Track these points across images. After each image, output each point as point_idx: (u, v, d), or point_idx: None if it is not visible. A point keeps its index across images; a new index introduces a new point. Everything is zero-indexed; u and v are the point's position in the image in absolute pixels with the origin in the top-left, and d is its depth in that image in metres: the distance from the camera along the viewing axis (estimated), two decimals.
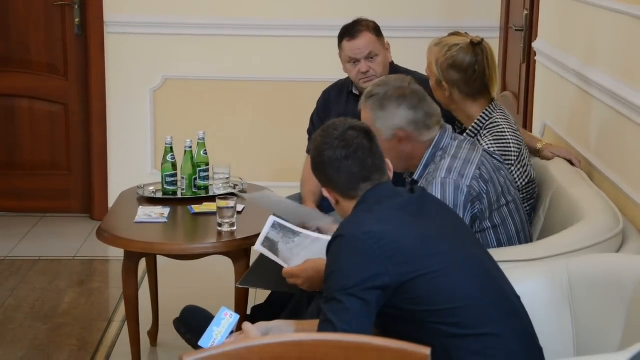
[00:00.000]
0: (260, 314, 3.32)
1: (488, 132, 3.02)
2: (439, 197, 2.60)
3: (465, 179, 2.65)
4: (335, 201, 2.33)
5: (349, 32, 3.54)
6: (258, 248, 2.76)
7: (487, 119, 3.06)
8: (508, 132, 3.02)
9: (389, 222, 2.16)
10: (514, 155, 2.99)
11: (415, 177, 2.73)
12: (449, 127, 2.78)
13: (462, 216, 2.62)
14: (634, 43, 2.91)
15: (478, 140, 3.00)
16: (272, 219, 2.79)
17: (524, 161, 3.04)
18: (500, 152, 2.94)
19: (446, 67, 3.05)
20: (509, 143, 3.00)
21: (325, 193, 2.34)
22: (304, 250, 2.71)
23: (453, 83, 3.04)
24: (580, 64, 3.44)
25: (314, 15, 5.07)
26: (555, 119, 3.85)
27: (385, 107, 2.69)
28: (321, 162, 2.29)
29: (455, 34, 3.20)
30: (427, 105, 2.72)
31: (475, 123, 3.06)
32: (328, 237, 2.90)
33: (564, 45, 3.75)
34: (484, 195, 2.68)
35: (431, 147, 2.72)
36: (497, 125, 3.04)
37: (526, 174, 3.04)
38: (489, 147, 2.94)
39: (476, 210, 2.67)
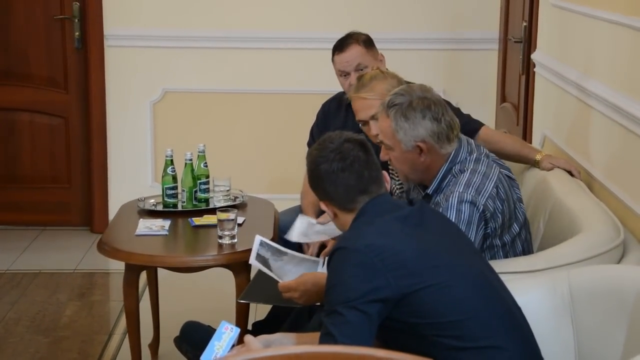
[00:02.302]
0: (262, 329, 3.31)
1: None
2: (455, 211, 2.58)
3: (482, 197, 2.61)
4: (333, 215, 2.32)
5: (338, 45, 3.58)
6: (252, 262, 2.77)
7: None
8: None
9: (390, 235, 2.15)
10: None
11: (430, 191, 2.70)
12: (464, 140, 2.75)
13: (474, 233, 2.60)
14: (632, 54, 2.92)
15: None
16: (258, 238, 2.79)
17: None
18: None
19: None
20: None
21: (323, 207, 2.33)
22: (295, 267, 2.72)
23: None
24: (580, 75, 3.45)
25: (313, 27, 5.08)
26: (554, 130, 3.86)
27: (409, 118, 2.61)
28: (318, 176, 2.29)
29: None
30: (449, 117, 2.66)
31: None
32: (315, 258, 2.92)
33: (563, 56, 3.76)
34: (499, 214, 2.65)
35: (448, 161, 2.67)
36: None
37: None
38: None
39: (489, 230, 2.65)
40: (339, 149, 2.26)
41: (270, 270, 2.73)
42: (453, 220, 2.56)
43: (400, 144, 2.64)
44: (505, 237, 2.72)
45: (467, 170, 2.66)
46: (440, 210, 2.59)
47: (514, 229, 2.74)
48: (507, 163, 3.36)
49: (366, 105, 3.04)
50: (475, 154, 2.71)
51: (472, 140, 2.82)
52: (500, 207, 2.66)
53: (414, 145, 2.63)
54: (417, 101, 2.63)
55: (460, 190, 2.61)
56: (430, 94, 2.68)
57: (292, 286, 2.56)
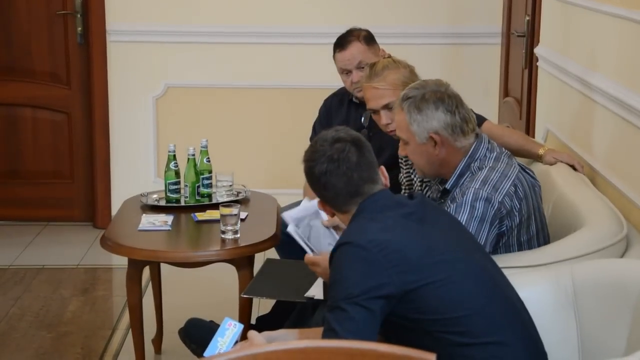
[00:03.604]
0: (265, 324, 3.31)
1: None
2: (469, 207, 2.56)
3: (499, 194, 2.60)
4: (331, 214, 2.33)
5: (339, 43, 3.57)
6: (291, 230, 2.67)
7: None
8: None
9: (393, 231, 2.14)
10: None
11: (448, 186, 2.69)
12: (485, 137, 2.74)
13: (487, 230, 2.58)
14: (636, 48, 2.91)
15: None
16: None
17: None
18: None
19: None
20: None
21: (320, 206, 2.34)
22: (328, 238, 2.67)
23: None
24: (583, 69, 3.45)
25: (315, 22, 5.08)
26: (557, 124, 3.85)
27: (422, 110, 2.62)
28: (311, 177, 2.28)
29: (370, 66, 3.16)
30: (464, 110, 2.66)
31: None
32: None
33: (565, 50, 3.75)
34: (516, 213, 2.64)
35: (466, 156, 2.67)
36: None
37: None
38: None
39: (504, 228, 2.63)
40: (329, 151, 2.23)
41: (309, 240, 2.67)
42: (466, 216, 2.55)
43: (414, 137, 2.64)
44: (522, 237, 2.69)
45: (486, 167, 2.65)
46: (455, 205, 2.58)
47: (532, 230, 2.72)
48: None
49: (377, 95, 3.03)
50: (495, 153, 2.70)
51: (494, 140, 2.81)
52: (518, 206, 2.64)
53: (427, 137, 2.63)
54: (430, 94, 2.64)
55: (477, 187, 2.59)
56: (445, 88, 2.68)
57: (317, 261, 2.51)
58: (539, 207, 2.77)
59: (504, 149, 2.78)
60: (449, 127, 2.63)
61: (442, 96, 2.64)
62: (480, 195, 2.58)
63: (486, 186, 2.60)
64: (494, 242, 2.63)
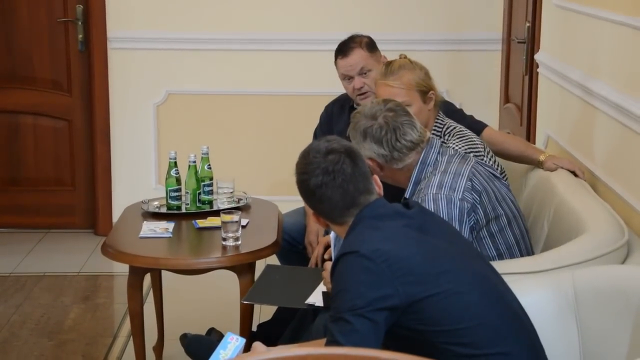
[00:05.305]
0: (267, 331, 3.32)
1: (451, 137, 3.06)
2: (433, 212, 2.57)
3: (457, 193, 2.64)
4: (326, 226, 2.31)
5: (341, 50, 3.57)
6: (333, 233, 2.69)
7: (441, 125, 3.10)
8: (465, 129, 3.09)
9: (395, 241, 2.12)
10: (482, 147, 3.04)
11: (407, 195, 2.71)
12: (436, 142, 2.76)
13: (460, 229, 2.61)
14: (636, 54, 2.92)
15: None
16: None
17: (490, 153, 3.08)
18: (470, 149, 2.96)
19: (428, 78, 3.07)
20: (473, 138, 3.06)
21: (314, 219, 2.32)
22: None
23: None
24: (583, 75, 3.45)
25: (316, 28, 5.08)
26: (558, 130, 3.86)
27: (354, 138, 2.66)
28: (304, 190, 2.24)
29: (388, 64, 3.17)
30: (394, 137, 2.65)
31: (434, 131, 3.07)
32: None
33: (566, 57, 3.76)
34: (478, 206, 2.68)
35: (418, 164, 2.70)
36: (454, 127, 3.10)
37: (496, 163, 3.07)
38: (460, 148, 2.95)
39: (472, 222, 2.68)
40: (323, 163, 2.20)
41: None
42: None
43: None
44: (492, 227, 2.73)
45: (438, 172, 2.69)
46: None
47: (502, 221, 2.75)
48: (510, 164, 3.37)
49: (391, 93, 3.04)
50: (447, 156, 2.74)
51: (444, 142, 2.83)
52: (478, 199, 2.69)
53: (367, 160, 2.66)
54: (361, 122, 2.66)
55: (434, 192, 2.64)
56: (382, 112, 2.66)
57: (328, 267, 2.49)
58: (505, 198, 2.80)
59: (458, 151, 2.80)
60: (380, 157, 2.66)
61: (371, 125, 2.65)
62: (439, 199, 2.62)
63: (443, 189, 2.64)
64: (469, 237, 2.65)
